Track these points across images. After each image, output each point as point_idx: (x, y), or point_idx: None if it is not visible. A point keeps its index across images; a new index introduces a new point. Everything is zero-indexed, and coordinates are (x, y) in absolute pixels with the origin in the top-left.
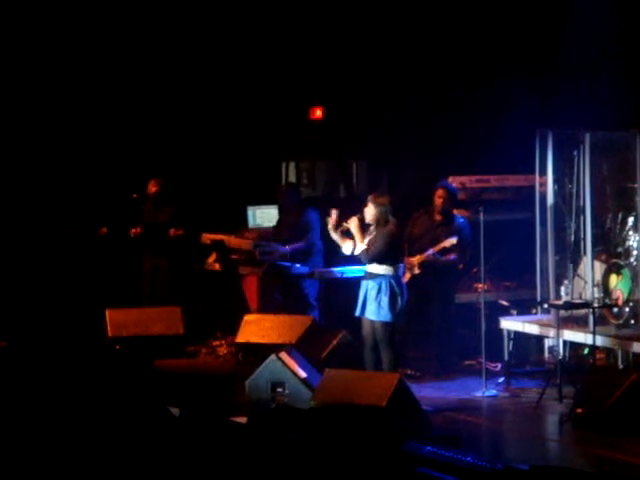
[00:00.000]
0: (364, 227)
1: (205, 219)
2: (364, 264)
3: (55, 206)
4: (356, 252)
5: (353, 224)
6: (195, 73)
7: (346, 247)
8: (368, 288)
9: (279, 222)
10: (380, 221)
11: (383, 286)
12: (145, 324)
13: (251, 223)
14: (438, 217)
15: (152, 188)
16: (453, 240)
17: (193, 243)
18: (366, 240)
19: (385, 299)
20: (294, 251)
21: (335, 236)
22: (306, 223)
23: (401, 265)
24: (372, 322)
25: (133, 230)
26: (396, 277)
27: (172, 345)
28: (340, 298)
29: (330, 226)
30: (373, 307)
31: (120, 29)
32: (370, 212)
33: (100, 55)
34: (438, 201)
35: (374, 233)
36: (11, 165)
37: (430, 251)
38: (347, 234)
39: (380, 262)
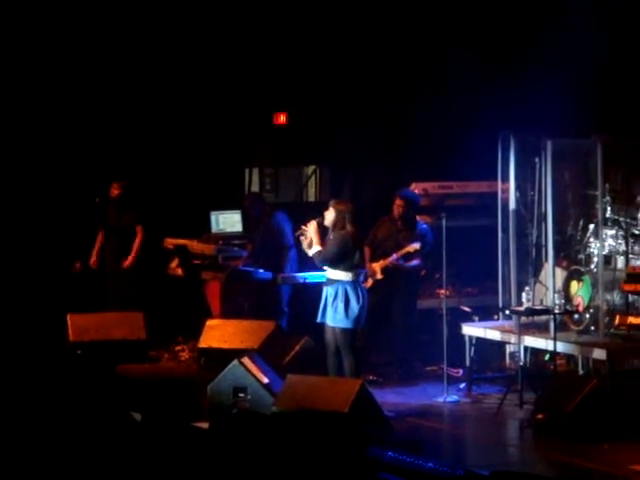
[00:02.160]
0: (325, 233)
1: (168, 224)
2: (319, 266)
3: (18, 208)
4: (311, 252)
5: (312, 227)
6: (159, 78)
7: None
8: (327, 294)
9: (249, 232)
10: (337, 225)
11: (339, 292)
12: (107, 329)
13: (214, 228)
14: (399, 224)
15: (114, 191)
16: (416, 246)
17: (156, 248)
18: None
19: (341, 305)
20: (257, 260)
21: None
22: (277, 227)
23: (362, 271)
24: (333, 328)
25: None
26: (353, 283)
27: (134, 350)
28: (305, 304)
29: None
30: (331, 313)
31: (84, 31)
32: (329, 215)
33: (65, 59)
34: (397, 210)
35: (330, 237)
36: None
37: (394, 256)
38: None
39: (333, 265)
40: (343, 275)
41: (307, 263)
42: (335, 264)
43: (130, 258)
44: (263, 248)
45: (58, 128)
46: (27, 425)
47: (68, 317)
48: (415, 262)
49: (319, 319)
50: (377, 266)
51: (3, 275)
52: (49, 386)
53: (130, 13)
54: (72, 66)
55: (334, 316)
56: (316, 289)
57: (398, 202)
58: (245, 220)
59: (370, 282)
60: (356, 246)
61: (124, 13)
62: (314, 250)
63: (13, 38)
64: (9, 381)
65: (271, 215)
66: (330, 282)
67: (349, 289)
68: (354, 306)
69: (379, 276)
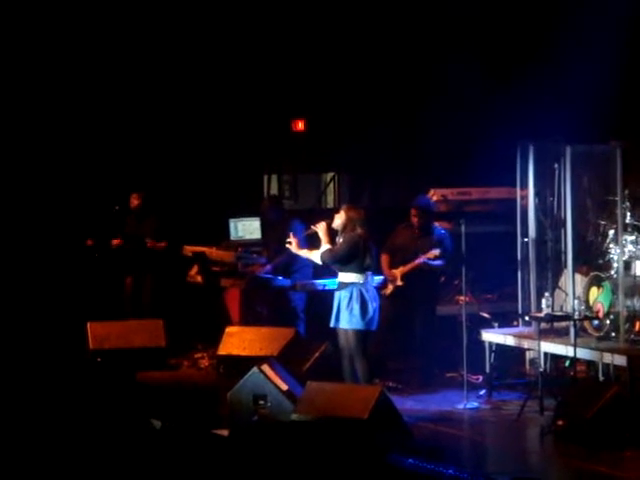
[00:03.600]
0: (333, 237)
1: (187, 231)
2: (326, 263)
3: (38, 218)
4: (320, 250)
5: (321, 227)
6: (178, 86)
7: (315, 256)
8: (340, 297)
9: (264, 237)
10: (347, 228)
11: (354, 294)
12: (127, 337)
13: (233, 235)
14: (417, 231)
15: (134, 201)
16: (436, 252)
17: (175, 255)
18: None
19: (357, 307)
20: (276, 267)
21: (302, 253)
22: (289, 235)
23: (369, 273)
24: (345, 331)
25: (115, 241)
26: (366, 285)
27: (154, 357)
28: (324, 310)
29: (293, 247)
30: (346, 315)
31: (100, 41)
32: (339, 218)
33: (81, 69)
34: (414, 220)
35: (340, 240)
36: None
37: (421, 258)
38: (316, 245)
39: (343, 265)
40: (354, 277)
41: (320, 270)
42: (344, 264)
43: (151, 241)
44: (278, 254)
45: (77, 139)
46: (48, 432)
47: (88, 325)
48: (438, 262)
49: (333, 324)
50: (397, 272)
51: (24, 285)
52: (70, 394)
53: (149, 25)
54: (92, 78)
55: (350, 319)
56: (332, 295)
57: (413, 212)
58: (262, 225)
59: (390, 288)
60: (366, 249)
61: (142, 25)
62: (323, 248)
63: (33, 49)
64: (30, 389)
65: (288, 221)
66: (343, 286)
67: (364, 290)
68: (370, 307)
69: (399, 282)
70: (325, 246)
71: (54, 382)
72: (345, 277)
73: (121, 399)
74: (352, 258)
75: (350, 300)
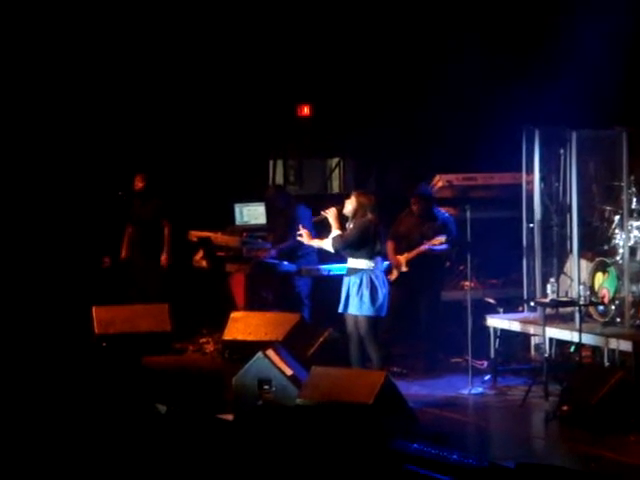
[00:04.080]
0: (343, 224)
1: (192, 216)
2: (338, 250)
3: (45, 203)
4: (330, 236)
5: (331, 213)
6: (183, 70)
7: (327, 244)
8: (350, 284)
9: (270, 223)
10: (357, 213)
11: (364, 280)
12: (132, 321)
13: (238, 220)
14: (420, 219)
15: (138, 184)
16: (442, 238)
17: (180, 240)
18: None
19: (367, 293)
20: (281, 252)
21: (314, 243)
22: (294, 221)
23: (379, 259)
24: (355, 317)
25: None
26: (376, 270)
27: (159, 342)
28: (329, 296)
29: (305, 239)
30: (355, 302)
31: (103, 25)
32: (350, 203)
33: (83, 52)
34: (414, 208)
35: (350, 226)
36: None
37: (426, 245)
38: (324, 231)
39: (354, 251)
40: (364, 263)
41: (325, 256)
42: (355, 249)
43: (165, 255)
44: (284, 240)
45: (82, 123)
46: (54, 418)
47: (93, 310)
48: (443, 246)
49: (341, 309)
50: (402, 258)
51: (31, 269)
52: (75, 378)
53: (153, 8)
54: (94, 60)
55: (360, 305)
56: (337, 281)
57: (413, 200)
58: (268, 212)
59: (395, 274)
60: (376, 234)
61: (146, 9)
62: (333, 234)
63: (33, 34)
64: (36, 374)
65: (294, 207)
66: (353, 272)
67: (373, 277)
68: (380, 293)
69: (404, 268)
70: (335, 232)
71: (60, 367)
72: (355, 263)
73: (126, 383)
74: (363, 244)
75: (360, 286)
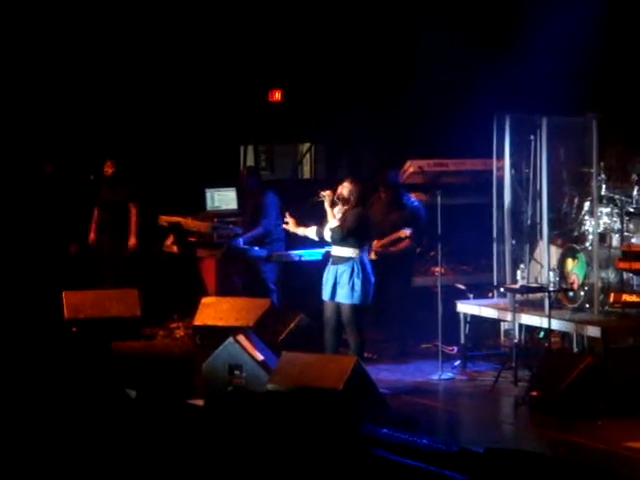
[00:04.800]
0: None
1: (163, 201)
2: (336, 240)
3: (12, 188)
4: (328, 227)
5: (328, 197)
6: (153, 56)
7: (311, 232)
8: (338, 272)
9: (242, 207)
10: (352, 199)
11: (355, 268)
12: (102, 306)
13: (209, 205)
14: (389, 207)
15: (108, 170)
16: (407, 232)
17: (150, 225)
18: (337, 217)
19: (358, 282)
20: (248, 239)
21: (299, 231)
22: (263, 208)
23: (366, 247)
24: (339, 305)
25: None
26: (364, 258)
27: (129, 327)
28: (299, 282)
29: (291, 227)
30: (345, 290)
31: (76, 15)
32: (347, 188)
33: (50, 39)
34: (382, 196)
35: (343, 212)
36: None
37: (381, 242)
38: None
39: (352, 239)
40: (352, 252)
41: (294, 242)
42: (354, 238)
43: (132, 240)
44: (254, 224)
45: (50, 108)
46: (22, 402)
47: (63, 294)
48: (405, 245)
49: (327, 298)
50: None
51: None
52: (44, 363)
53: None
54: (63, 47)
55: (351, 294)
56: (307, 266)
57: (381, 190)
58: (239, 195)
59: None
60: (370, 224)
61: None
62: (332, 224)
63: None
64: (5, 358)
65: (264, 192)
66: (341, 260)
67: (364, 265)
68: (371, 282)
69: (372, 256)
70: (333, 222)
71: (29, 351)
72: (343, 251)
73: (96, 369)
74: (360, 233)
75: (351, 275)
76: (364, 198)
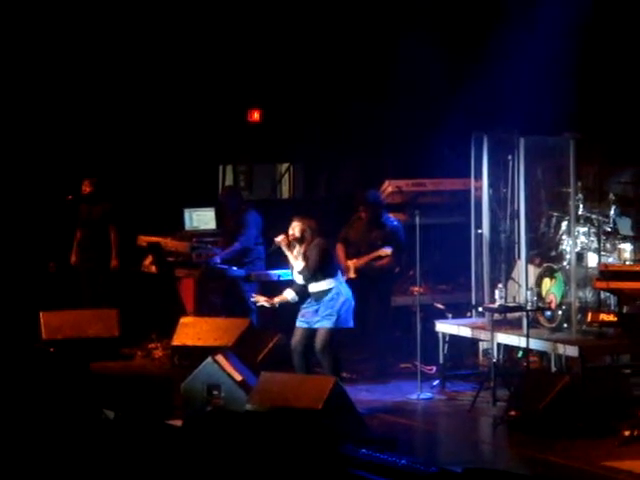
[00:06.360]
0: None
1: (142, 221)
2: (308, 279)
3: None
4: (296, 270)
5: (283, 241)
6: (132, 75)
7: (288, 294)
8: (321, 305)
9: (221, 226)
10: (306, 236)
11: (336, 296)
12: (80, 326)
13: (188, 225)
14: (368, 225)
15: (86, 189)
16: (387, 250)
17: (129, 245)
18: (299, 258)
19: (339, 307)
20: (226, 256)
21: (275, 301)
22: (243, 225)
23: (339, 273)
24: (314, 330)
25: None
26: (342, 283)
27: (107, 347)
28: None
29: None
30: (326, 315)
31: (53, 27)
32: (297, 227)
33: (31, 59)
34: (362, 215)
35: (303, 252)
36: None
37: (362, 260)
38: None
39: (322, 273)
40: (329, 283)
41: (274, 262)
42: (324, 271)
43: (114, 261)
44: (231, 244)
45: (29, 126)
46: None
47: (41, 315)
48: (385, 262)
49: (309, 326)
50: (351, 264)
51: None
52: (21, 384)
53: (103, 9)
54: (44, 64)
55: (330, 318)
56: (286, 286)
57: (362, 209)
58: (218, 214)
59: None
60: (331, 254)
61: (97, 10)
62: (298, 267)
63: None
64: None
65: (246, 210)
66: (321, 294)
67: (343, 290)
68: (351, 306)
69: (352, 275)
70: (298, 264)
71: (5, 372)
72: (320, 286)
73: (74, 389)
74: (328, 265)
75: (333, 300)
76: (318, 229)
